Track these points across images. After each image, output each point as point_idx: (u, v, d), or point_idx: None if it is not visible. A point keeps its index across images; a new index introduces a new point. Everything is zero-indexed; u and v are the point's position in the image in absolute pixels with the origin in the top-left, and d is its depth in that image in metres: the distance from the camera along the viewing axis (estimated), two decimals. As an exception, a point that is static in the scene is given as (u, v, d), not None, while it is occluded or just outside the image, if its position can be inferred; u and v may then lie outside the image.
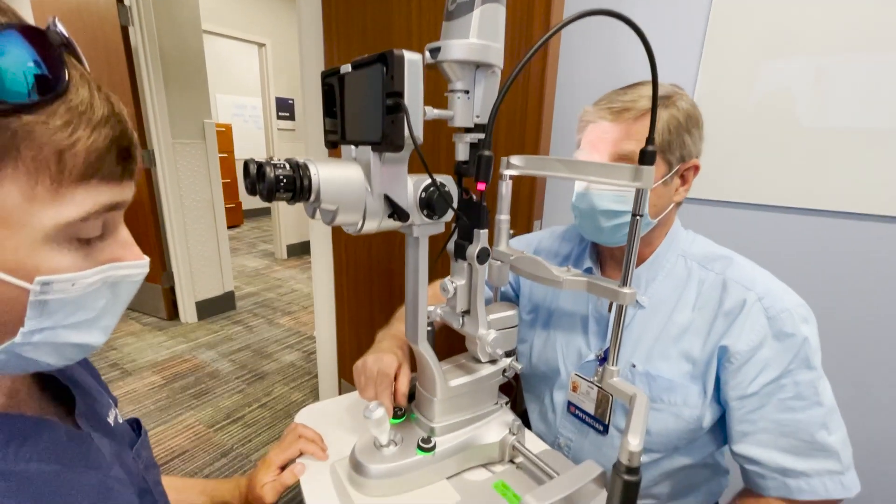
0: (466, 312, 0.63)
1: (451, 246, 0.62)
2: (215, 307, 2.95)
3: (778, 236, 0.99)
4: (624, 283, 0.55)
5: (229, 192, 4.95)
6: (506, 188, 0.69)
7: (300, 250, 4.29)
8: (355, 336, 1.85)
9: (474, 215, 0.57)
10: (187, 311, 2.82)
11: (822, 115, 0.90)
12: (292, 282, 3.63)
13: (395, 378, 0.69)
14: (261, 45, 4.14)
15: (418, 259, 0.55)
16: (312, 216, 0.49)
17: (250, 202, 5.57)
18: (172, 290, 2.78)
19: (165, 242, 2.67)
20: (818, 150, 0.91)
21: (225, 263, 2.93)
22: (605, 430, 0.76)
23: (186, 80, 2.52)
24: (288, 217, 4.15)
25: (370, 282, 1.71)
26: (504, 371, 0.68)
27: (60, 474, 0.35)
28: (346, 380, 1.97)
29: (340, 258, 1.82)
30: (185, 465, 1.67)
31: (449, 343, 1.27)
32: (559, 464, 0.65)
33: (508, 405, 0.71)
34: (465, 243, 0.59)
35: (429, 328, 0.77)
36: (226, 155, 4.71)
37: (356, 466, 0.60)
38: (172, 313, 2.85)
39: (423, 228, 0.53)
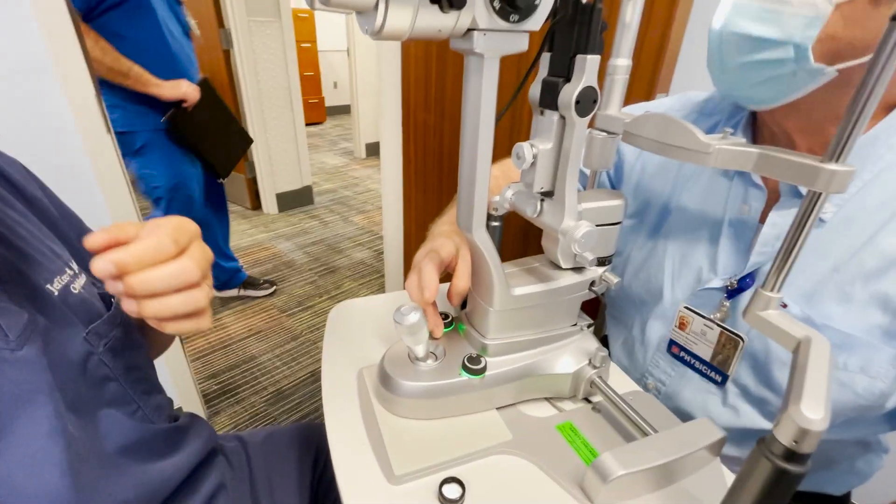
0: (549, 194, 0.43)
1: (534, 91, 0.41)
2: (294, 200, 3.01)
3: None
4: (833, 154, 0.31)
5: (312, 86, 4.87)
6: (631, 9, 0.44)
7: (379, 150, 4.21)
8: (422, 236, 1.74)
9: (581, 28, 0.35)
10: (268, 203, 2.90)
11: None
12: (369, 181, 3.59)
13: (452, 271, 0.53)
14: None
15: (481, 92, 0.35)
16: (312, 5, 0.30)
17: (333, 98, 5.48)
18: (254, 180, 2.84)
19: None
20: None
21: (303, 156, 2.92)
22: (724, 382, 0.56)
23: (260, -52, 2.30)
24: (367, 114, 4.01)
25: (440, 179, 1.54)
26: (592, 284, 0.49)
27: None
28: (412, 282, 1.91)
29: (409, 154, 1.65)
30: (260, 343, 1.77)
31: (524, 245, 1.09)
32: (655, 414, 0.47)
33: (591, 329, 0.53)
34: (559, 81, 0.38)
35: (495, 223, 0.60)
36: (308, 45, 4.55)
37: (383, 379, 0.47)
38: (255, 203, 2.96)
39: (492, 40, 0.32)
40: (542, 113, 0.41)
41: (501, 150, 0.48)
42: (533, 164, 0.41)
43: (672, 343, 0.61)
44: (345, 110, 5.61)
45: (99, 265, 0.30)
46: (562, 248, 0.46)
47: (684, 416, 0.62)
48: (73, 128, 0.90)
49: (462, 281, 0.50)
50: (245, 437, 0.65)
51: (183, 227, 0.35)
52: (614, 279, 0.48)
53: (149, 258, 0.31)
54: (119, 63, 1.26)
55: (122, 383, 0.41)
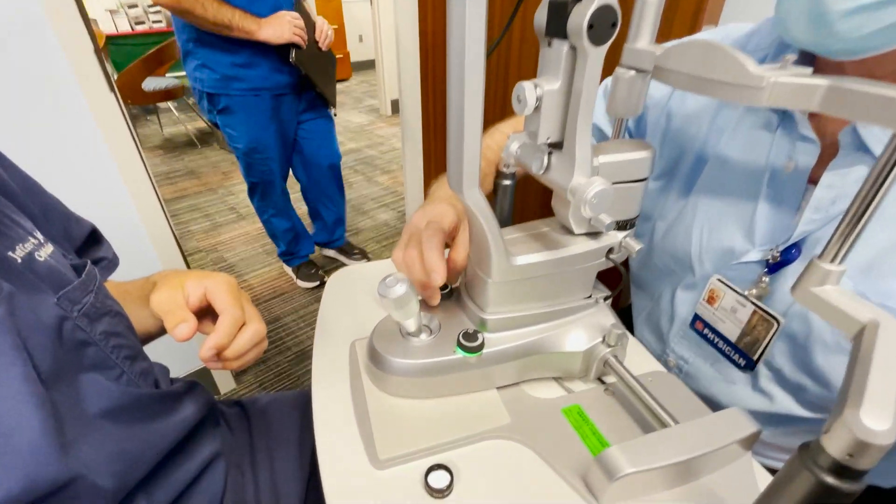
0: (557, 146, 0.37)
1: (539, 15, 0.33)
2: (319, 160, 2.98)
3: None
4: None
5: (337, 40, 4.69)
6: None
7: (404, 108, 4.08)
8: (443, 198, 1.68)
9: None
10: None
11: None
12: (394, 140, 3.50)
13: (451, 242, 0.48)
14: None
15: (465, 20, 0.28)
16: None
17: (359, 53, 5.31)
18: (279, 140, 2.82)
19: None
20: None
21: (326, 115, 2.85)
22: (751, 367, 0.49)
23: None
24: (392, 69, 3.86)
25: (460, 135, 1.46)
26: (610, 252, 0.43)
27: None
28: (433, 243, 1.87)
29: (429, 109, 1.56)
30: (285, 305, 1.79)
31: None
32: (678, 400, 0.41)
33: (609, 302, 0.47)
34: (567, 0, 0.30)
35: (507, 181, 0.53)
36: (331, -3, 4.38)
37: (372, 355, 0.43)
38: (281, 163, 2.94)
39: (474, -58, 0.25)
40: (549, 44, 0.34)
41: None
42: (537, 108, 0.34)
43: (696, 318, 0.54)
44: (370, 65, 5.43)
45: (207, 354, 0.40)
46: (573, 211, 0.40)
47: (707, 400, 0.56)
48: (75, 87, 0.88)
49: (460, 254, 0.45)
50: (247, 403, 0.63)
51: (231, 285, 0.44)
52: (636, 246, 0.41)
53: (234, 332, 0.41)
54: (220, 15, 1.21)
55: (101, 348, 0.40)
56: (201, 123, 3.74)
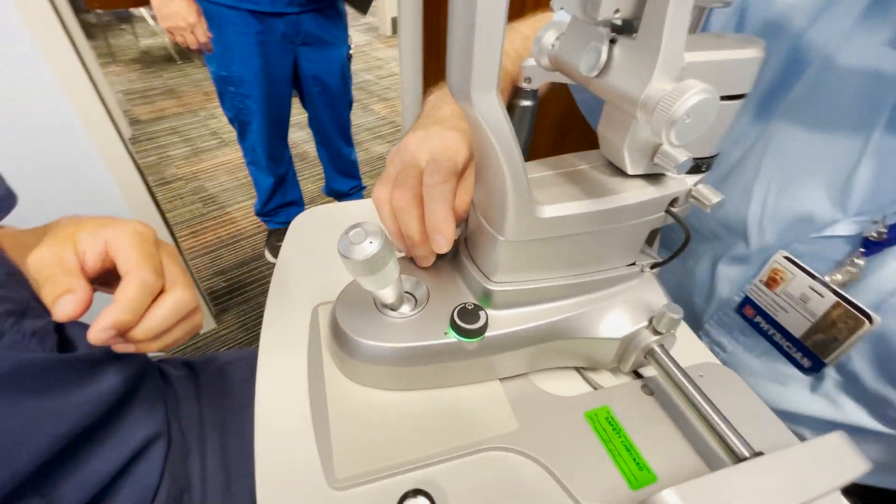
0: (627, 29, 0.22)
1: None
2: (310, 84, 2.72)
3: None
4: None
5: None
6: None
7: (405, 29, 3.71)
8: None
9: None
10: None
11: None
12: (394, 63, 3.20)
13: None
14: None
15: None
16: None
17: (356, -35, 4.77)
18: (265, 58, 2.55)
19: None
20: None
21: (317, 32, 2.56)
22: (816, 370, 0.38)
23: None
24: (393, -17, 3.46)
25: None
26: (674, 203, 0.30)
27: None
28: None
29: (432, 22, 1.35)
30: (270, 239, 1.68)
31: (557, 150, 0.88)
32: (741, 408, 0.31)
33: (656, 272, 0.35)
34: None
35: (526, 102, 0.40)
36: None
37: (336, 333, 0.32)
38: (268, 85, 2.69)
39: None
40: None
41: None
42: (605, -49, 0.20)
43: (747, 301, 0.42)
44: (370, -21, 4.92)
45: (99, 336, 0.27)
46: (633, 139, 0.26)
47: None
48: None
49: (465, 201, 0.32)
50: (198, 364, 0.53)
51: (143, 236, 0.31)
52: (714, 198, 0.29)
53: (143, 304, 0.29)
54: None
55: None
56: (182, 36, 3.40)
